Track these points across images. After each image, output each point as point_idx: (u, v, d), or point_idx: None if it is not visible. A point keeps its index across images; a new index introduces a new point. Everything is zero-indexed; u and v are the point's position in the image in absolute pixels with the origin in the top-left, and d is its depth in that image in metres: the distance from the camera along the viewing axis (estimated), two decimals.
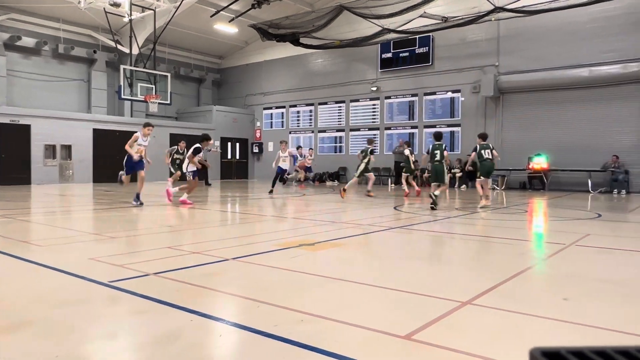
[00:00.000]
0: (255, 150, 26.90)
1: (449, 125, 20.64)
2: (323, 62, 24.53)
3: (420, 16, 17.32)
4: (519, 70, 18.84)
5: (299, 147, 19.42)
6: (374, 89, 22.57)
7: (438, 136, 11.05)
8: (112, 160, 18.87)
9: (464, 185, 19.16)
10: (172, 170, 13.74)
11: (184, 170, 10.85)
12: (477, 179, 10.96)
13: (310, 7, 21.98)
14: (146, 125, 10.47)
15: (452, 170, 17.81)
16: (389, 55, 21.88)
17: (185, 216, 8.98)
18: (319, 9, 19.97)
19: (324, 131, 24.47)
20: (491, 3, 16.30)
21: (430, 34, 20.02)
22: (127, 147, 9.97)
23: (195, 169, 10.46)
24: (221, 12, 20.61)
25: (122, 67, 18.87)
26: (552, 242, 6.32)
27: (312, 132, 24.90)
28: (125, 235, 6.57)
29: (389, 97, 22.34)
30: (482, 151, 10.83)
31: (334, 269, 4.33)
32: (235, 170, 26.63)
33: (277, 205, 11.49)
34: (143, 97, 19.11)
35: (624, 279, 4.06)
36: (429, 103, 21.19)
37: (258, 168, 27.22)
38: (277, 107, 26.45)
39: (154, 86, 19.54)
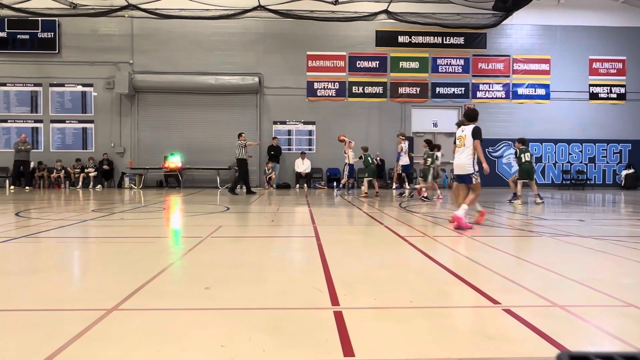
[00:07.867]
0: None
1: (80, 122, 19.22)
2: None
3: None
4: (153, 71, 19.23)
5: None
6: None
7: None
8: None
9: (99, 185, 18.26)
10: None
11: None
12: (518, 181, 12.20)
13: None
14: None
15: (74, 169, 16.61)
16: (3, 34, 18.65)
17: None
18: None
19: None
20: None
21: (56, 18, 18.14)
22: None
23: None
24: None
25: None
26: (190, 236, 6.70)
27: None
28: None
29: (3, 85, 19.04)
30: (522, 155, 12.17)
31: None
32: None
33: None
34: None
35: (251, 262, 4.69)
36: (57, 95, 19.16)
37: None
38: None
39: None
